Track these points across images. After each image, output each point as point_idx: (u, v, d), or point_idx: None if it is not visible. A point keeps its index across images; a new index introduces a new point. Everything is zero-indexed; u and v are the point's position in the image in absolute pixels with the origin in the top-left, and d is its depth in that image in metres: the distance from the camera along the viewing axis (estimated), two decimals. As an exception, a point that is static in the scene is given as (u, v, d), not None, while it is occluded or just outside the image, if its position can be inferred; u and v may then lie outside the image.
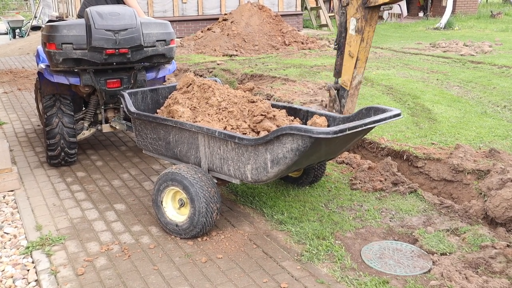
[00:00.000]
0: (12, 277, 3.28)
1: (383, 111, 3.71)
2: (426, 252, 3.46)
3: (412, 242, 3.63)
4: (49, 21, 4.97)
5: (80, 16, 5.20)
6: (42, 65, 4.95)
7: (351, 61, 4.68)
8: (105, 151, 5.75)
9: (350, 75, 4.71)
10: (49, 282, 3.19)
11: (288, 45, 12.49)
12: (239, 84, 8.71)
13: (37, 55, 5.38)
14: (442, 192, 4.67)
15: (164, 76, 5.37)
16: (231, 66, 9.80)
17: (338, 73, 4.90)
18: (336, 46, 4.83)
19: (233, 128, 3.83)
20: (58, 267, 3.36)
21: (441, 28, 15.87)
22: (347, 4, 4.65)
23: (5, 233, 3.87)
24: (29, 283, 3.24)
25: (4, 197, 4.52)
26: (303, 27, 16.08)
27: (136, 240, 3.72)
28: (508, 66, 9.00)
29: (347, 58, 4.74)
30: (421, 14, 20.61)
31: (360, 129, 3.36)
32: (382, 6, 4.57)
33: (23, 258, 3.52)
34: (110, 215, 4.15)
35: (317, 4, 16.54)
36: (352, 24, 4.63)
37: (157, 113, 4.31)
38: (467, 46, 11.64)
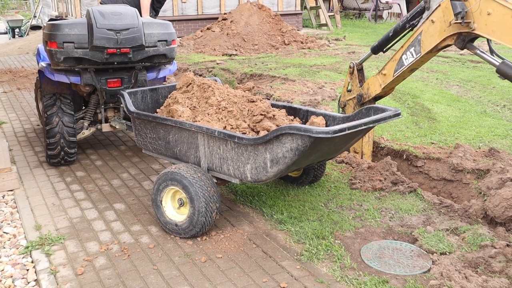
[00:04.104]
0: (11, 276, 3.28)
1: (383, 110, 3.72)
2: (426, 251, 3.46)
3: (411, 241, 3.63)
4: (51, 19, 4.96)
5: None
6: (43, 64, 4.94)
7: (357, 155, 5.04)
8: (105, 151, 5.75)
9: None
10: (48, 282, 3.19)
11: (288, 44, 12.48)
12: (238, 83, 8.71)
13: (38, 54, 5.37)
14: (441, 191, 4.68)
15: (165, 76, 5.37)
16: (230, 66, 9.80)
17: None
18: None
19: (232, 128, 3.83)
20: (58, 266, 3.36)
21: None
22: (345, 106, 4.98)
23: (4, 232, 3.86)
24: (28, 282, 3.24)
25: (3, 196, 4.52)
26: (303, 27, 16.07)
27: (135, 239, 3.71)
28: (508, 66, 8.98)
29: (353, 153, 5.10)
30: None
31: (359, 128, 3.36)
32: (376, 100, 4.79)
33: (23, 257, 3.52)
34: (109, 214, 4.15)
35: (316, 3, 16.52)
36: None
37: (156, 112, 4.31)
38: (466, 45, 11.62)
